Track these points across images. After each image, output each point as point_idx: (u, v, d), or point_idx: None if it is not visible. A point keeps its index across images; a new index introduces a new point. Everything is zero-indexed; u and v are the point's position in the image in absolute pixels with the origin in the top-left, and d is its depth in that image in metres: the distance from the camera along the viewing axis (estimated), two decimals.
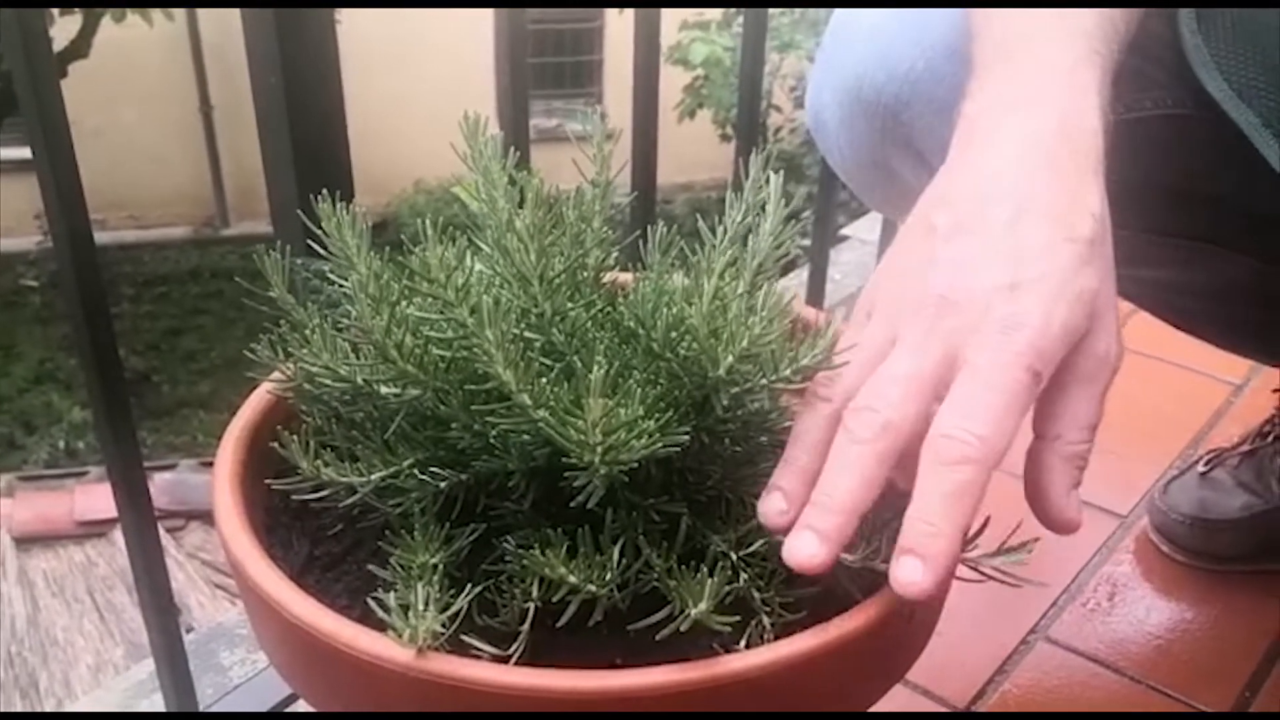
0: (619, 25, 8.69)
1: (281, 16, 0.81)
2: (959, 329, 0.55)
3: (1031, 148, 0.59)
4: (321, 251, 0.61)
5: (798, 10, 7.79)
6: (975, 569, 0.56)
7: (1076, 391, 0.56)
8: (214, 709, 1.07)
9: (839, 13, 0.94)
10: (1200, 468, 1.19)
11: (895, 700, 0.88)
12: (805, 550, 0.53)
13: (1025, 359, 0.54)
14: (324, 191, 0.60)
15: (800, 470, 0.57)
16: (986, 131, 0.62)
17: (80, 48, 7.58)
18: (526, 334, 0.58)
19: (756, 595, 0.57)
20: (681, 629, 0.52)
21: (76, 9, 7.30)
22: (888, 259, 0.62)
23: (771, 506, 0.57)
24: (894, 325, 0.58)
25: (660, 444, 0.52)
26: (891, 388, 0.55)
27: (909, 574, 0.51)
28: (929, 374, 0.55)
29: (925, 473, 0.52)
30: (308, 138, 0.86)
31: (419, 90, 9.00)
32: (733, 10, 7.83)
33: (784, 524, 0.56)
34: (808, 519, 0.54)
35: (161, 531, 1.02)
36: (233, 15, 0.86)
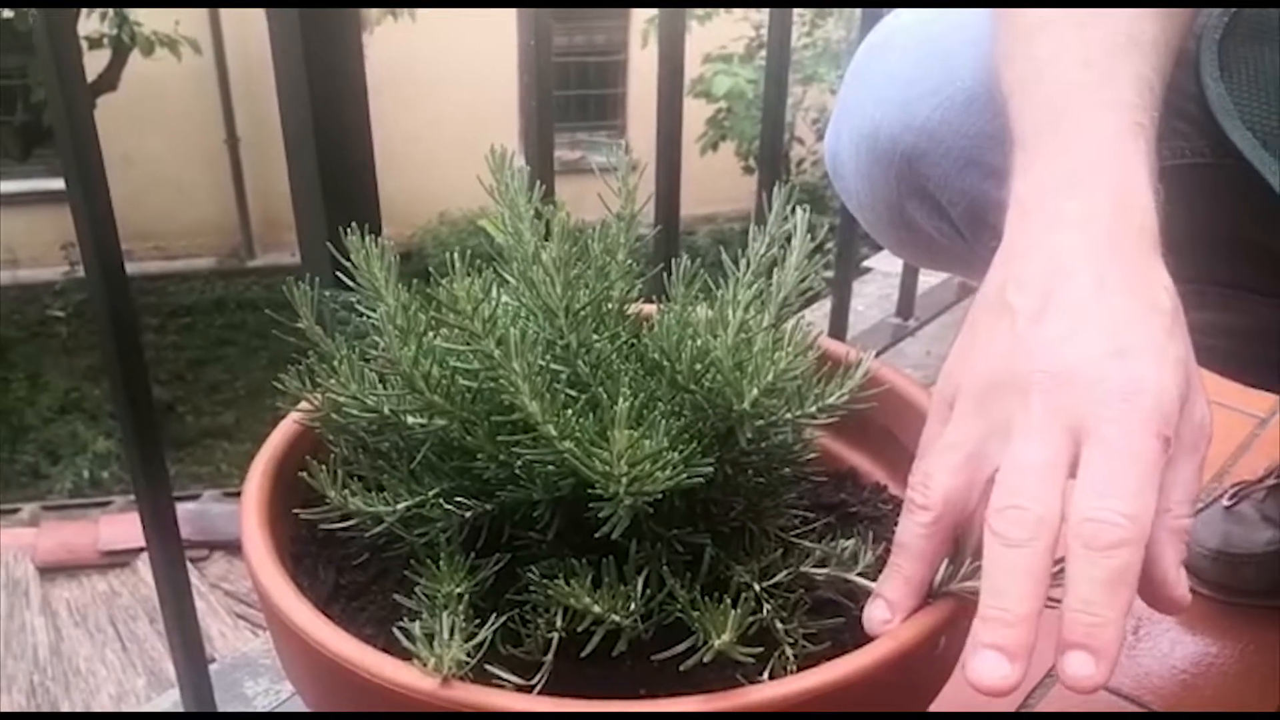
0: (642, 58, 8.73)
1: (310, 45, 0.82)
2: (1076, 403, 0.53)
3: (1093, 228, 0.58)
4: (349, 283, 0.61)
5: (820, 42, 7.81)
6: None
7: (1181, 462, 0.54)
8: None
9: (858, 57, 0.94)
10: (1225, 501, 1.18)
11: None
12: (996, 673, 0.49)
13: (1153, 424, 0.52)
14: (352, 224, 0.61)
15: (906, 579, 0.56)
16: (1046, 214, 0.60)
17: (109, 80, 7.68)
18: (552, 365, 0.59)
19: (780, 626, 0.57)
20: (705, 660, 0.52)
21: (105, 43, 7.39)
22: (962, 347, 0.60)
23: (876, 615, 0.56)
24: (989, 415, 0.55)
25: (684, 475, 0.52)
26: (1029, 480, 0.52)
27: (1083, 669, 0.48)
28: (1059, 457, 0.52)
29: (1078, 560, 0.50)
30: (335, 168, 0.86)
31: (442, 122, 9.05)
32: (755, 43, 7.86)
33: (886, 631, 0.55)
34: (985, 637, 0.50)
35: None
36: (259, 49, 0.87)
